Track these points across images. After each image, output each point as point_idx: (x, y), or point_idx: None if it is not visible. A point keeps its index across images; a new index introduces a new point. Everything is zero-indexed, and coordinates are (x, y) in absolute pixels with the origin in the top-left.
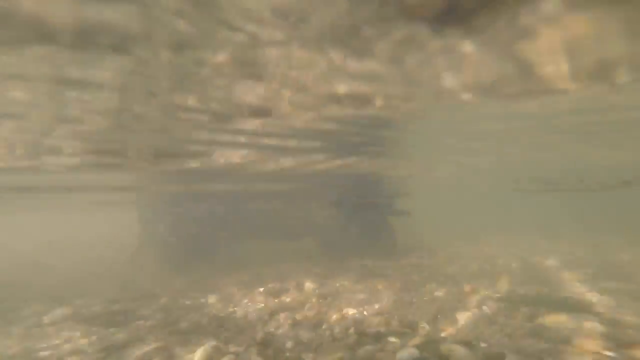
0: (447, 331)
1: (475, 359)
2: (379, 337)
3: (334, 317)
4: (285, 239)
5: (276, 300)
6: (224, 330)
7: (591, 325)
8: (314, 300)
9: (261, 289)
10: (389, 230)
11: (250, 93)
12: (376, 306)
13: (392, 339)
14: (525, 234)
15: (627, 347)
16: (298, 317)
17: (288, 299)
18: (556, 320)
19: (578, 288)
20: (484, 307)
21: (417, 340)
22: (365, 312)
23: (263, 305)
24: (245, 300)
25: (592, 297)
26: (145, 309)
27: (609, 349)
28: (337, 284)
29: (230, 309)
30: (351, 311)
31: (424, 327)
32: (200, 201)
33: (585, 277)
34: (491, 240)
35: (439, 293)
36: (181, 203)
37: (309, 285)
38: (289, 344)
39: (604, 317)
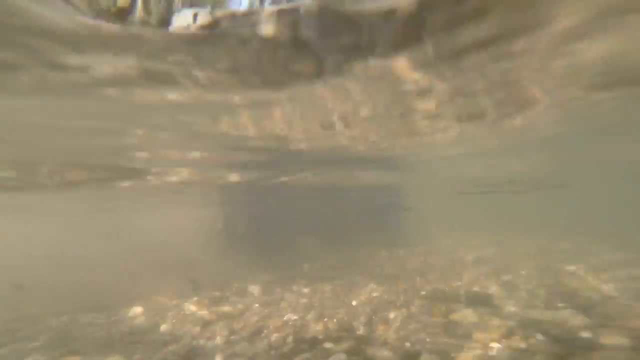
0: (378, 332)
1: (397, 359)
2: (315, 344)
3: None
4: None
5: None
6: (137, 344)
7: (487, 318)
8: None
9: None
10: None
11: None
12: (314, 311)
13: (328, 345)
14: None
15: (507, 338)
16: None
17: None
18: (464, 315)
19: (484, 282)
20: (411, 307)
21: (348, 344)
22: (306, 317)
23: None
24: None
25: (493, 290)
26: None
27: (495, 341)
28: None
29: (155, 321)
30: (293, 317)
31: (359, 329)
32: (272, 203)
33: (490, 271)
34: (441, 239)
35: (376, 293)
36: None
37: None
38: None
39: (497, 310)
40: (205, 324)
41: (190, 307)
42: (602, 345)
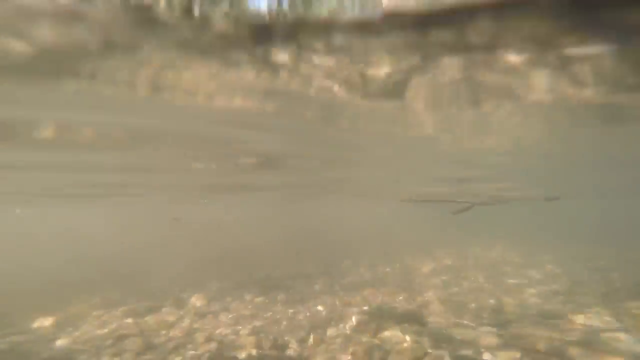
0: (309, 350)
1: None
2: None
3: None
4: None
5: None
6: None
7: (410, 338)
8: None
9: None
10: None
11: None
12: (256, 323)
13: None
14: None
15: None
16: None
17: None
18: (390, 335)
19: (428, 296)
20: (349, 322)
21: None
22: (242, 331)
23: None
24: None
25: (432, 305)
26: None
27: None
28: None
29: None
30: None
31: (293, 346)
32: None
33: (439, 283)
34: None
35: (321, 307)
36: None
37: None
38: None
39: (424, 328)
40: (119, 338)
41: (115, 318)
42: None
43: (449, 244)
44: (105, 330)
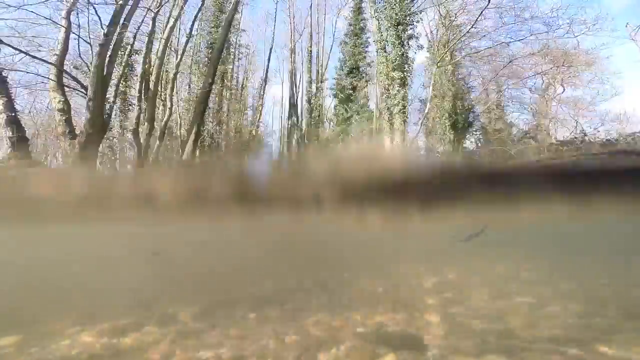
0: None
1: None
2: None
3: None
4: None
5: None
6: None
7: None
8: None
9: None
10: None
11: None
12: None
13: None
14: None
15: None
16: None
17: None
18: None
19: (429, 316)
20: (343, 346)
21: None
22: (225, 355)
23: None
24: None
25: (431, 327)
26: None
27: None
28: None
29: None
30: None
31: None
32: None
33: (442, 301)
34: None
35: (314, 328)
36: None
37: None
38: None
39: (420, 356)
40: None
41: (85, 338)
42: None
43: (453, 257)
44: (75, 351)
